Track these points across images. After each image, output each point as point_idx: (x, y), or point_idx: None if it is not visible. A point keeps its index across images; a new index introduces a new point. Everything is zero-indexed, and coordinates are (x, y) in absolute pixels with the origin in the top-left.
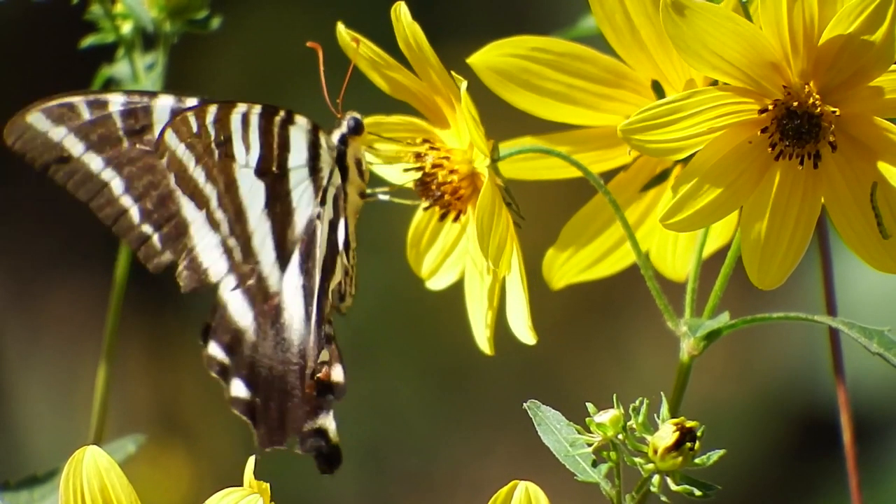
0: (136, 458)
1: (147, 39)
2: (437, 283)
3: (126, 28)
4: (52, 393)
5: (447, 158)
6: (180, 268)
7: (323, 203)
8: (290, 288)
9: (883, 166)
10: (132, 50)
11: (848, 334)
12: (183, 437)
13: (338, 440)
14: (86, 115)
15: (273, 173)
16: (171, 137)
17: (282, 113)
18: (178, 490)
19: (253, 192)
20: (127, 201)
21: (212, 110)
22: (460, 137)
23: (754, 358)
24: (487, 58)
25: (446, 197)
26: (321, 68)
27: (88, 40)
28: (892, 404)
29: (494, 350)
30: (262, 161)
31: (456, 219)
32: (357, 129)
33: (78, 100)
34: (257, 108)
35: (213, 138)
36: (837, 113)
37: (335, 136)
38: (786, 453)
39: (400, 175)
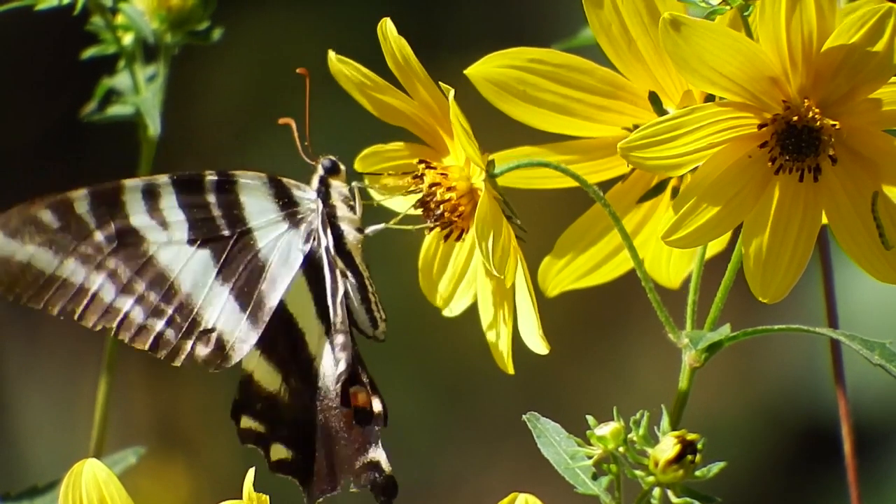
0: (135, 470)
1: (148, 51)
2: (452, 310)
3: (127, 39)
4: (53, 404)
5: (444, 176)
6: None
7: (316, 249)
8: (314, 338)
9: (883, 177)
10: (133, 61)
11: (849, 346)
12: (183, 450)
13: (391, 469)
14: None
15: (223, 237)
16: (5, 243)
17: (210, 177)
18: (178, 502)
19: (189, 264)
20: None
21: (81, 196)
22: (457, 154)
23: (755, 370)
24: (484, 69)
25: (446, 215)
26: (307, 99)
27: (89, 51)
28: (893, 416)
29: (501, 367)
30: (194, 231)
31: (459, 237)
32: (333, 169)
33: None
34: (164, 178)
35: (93, 226)
36: (837, 126)
37: (315, 181)
38: (787, 465)
39: (403, 200)
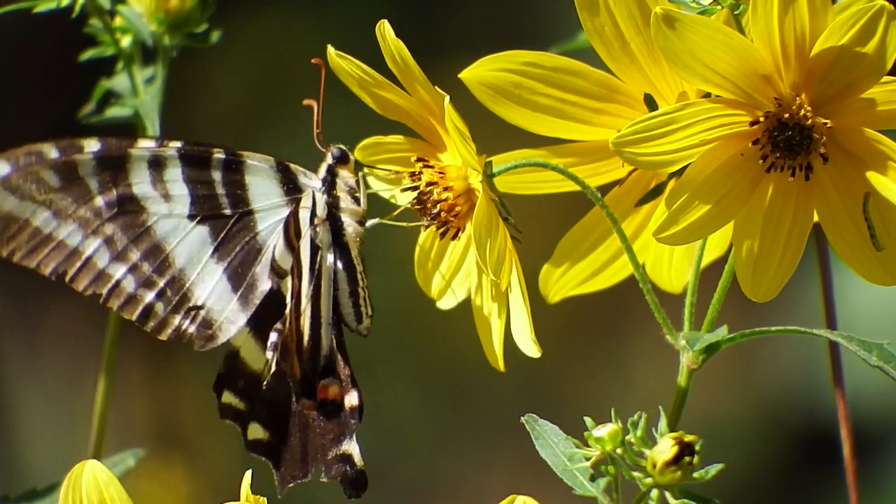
0: (135, 472)
1: (146, 53)
2: (447, 303)
3: (125, 42)
4: (53, 406)
5: (442, 176)
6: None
7: (315, 237)
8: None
9: (875, 178)
10: (131, 63)
11: (847, 347)
12: (182, 451)
13: (363, 464)
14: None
15: (223, 216)
16: (5, 197)
17: (217, 154)
18: None
19: (187, 238)
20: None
21: (86, 159)
22: (455, 154)
23: (754, 371)
24: (479, 73)
25: (443, 215)
26: (321, 90)
27: (88, 54)
28: (892, 417)
29: (492, 364)
30: (196, 206)
31: (455, 236)
32: (342, 158)
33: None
34: (171, 150)
35: (95, 190)
36: (829, 125)
37: (322, 169)
38: (785, 467)
39: (399, 196)
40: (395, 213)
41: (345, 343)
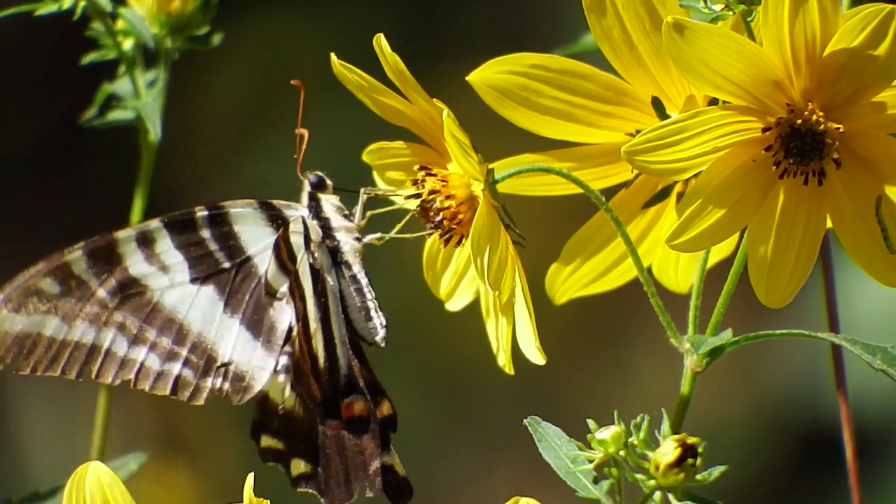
0: (138, 474)
1: (148, 56)
2: (455, 305)
3: (127, 45)
4: (55, 410)
5: (444, 184)
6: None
7: (313, 262)
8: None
9: (887, 181)
10: (133, 67)
11: (851, 351)
12: (185, 454)
13: (404, 472)
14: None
15: (224, 270)
16: (11, 318)
17: (200, 213)
18: None
19: (196, 302)
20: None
21: (76, 256)
22: None
23: (757, 373)
24: (486, 75)
25: (445, 223)
26: (300, 113)
27: (89, 57)
28: (895, 420)
29: (501, 367)
30: (195, 269)
31: (458, 243)
32: (320, 184)
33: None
34: (156, 223)
35: (95, 284)
36: (841, 129)
37: (304, 197)
38: (788, 469)
39: (403, 203)
40: (400, 224)
41: (365, 356)
